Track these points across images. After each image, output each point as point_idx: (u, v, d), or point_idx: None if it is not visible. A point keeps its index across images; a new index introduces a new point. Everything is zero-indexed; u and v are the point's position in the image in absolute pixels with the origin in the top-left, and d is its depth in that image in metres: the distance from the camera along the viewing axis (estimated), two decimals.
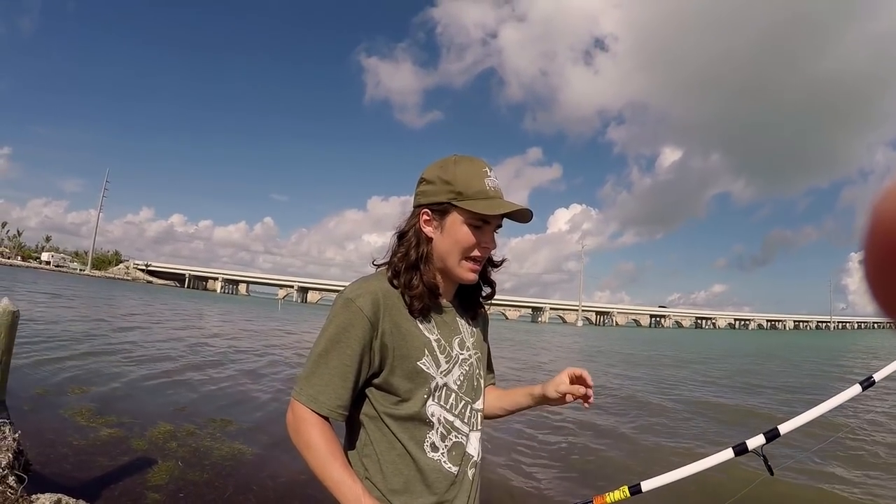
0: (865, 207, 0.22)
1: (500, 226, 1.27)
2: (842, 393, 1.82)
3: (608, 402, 9.35)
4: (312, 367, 1.18)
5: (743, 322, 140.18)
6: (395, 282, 1.23)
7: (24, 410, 5.40)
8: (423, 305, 1.23)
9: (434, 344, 1.24)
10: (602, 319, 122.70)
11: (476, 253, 1.24)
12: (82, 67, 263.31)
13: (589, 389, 1.36)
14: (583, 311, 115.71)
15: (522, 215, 1.25)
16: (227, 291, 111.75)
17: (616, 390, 10.88)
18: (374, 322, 1.18)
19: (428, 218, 1.26)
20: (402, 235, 1.28)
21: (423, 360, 1.22)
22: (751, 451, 1.70)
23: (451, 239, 1.23)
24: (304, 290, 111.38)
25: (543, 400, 1.43)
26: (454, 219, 1.23)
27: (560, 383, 1.37)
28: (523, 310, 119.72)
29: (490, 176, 1.24)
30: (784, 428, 1.74)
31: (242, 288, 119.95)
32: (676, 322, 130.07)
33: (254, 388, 8.35)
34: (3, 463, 3.33)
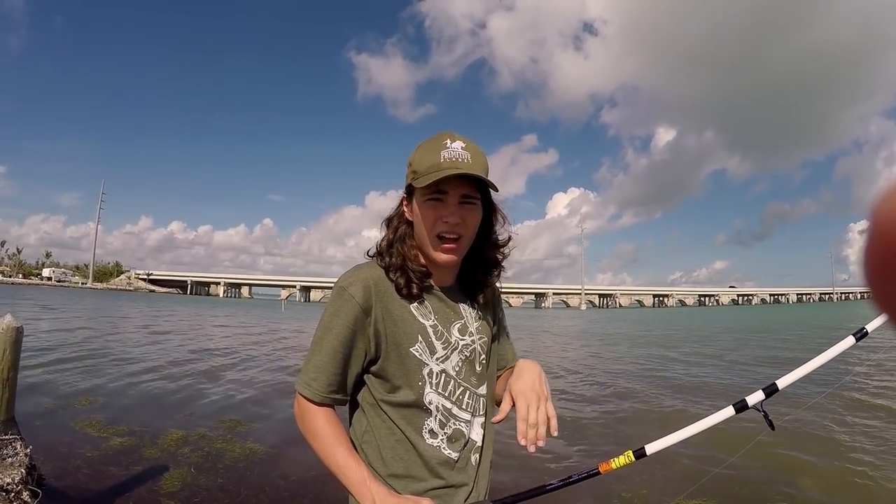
0: (866, 209, 0.22)
1: (468, 196, 1.18)
2: (836, 345, 1.81)
3: (592, 377, 9.39)
4: (310, 355, 1.20)
5: (746, 298, 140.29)
6: (383, 264, 1.23)
7: (35, 426, 5.43)
8: (410, 284, 1.21)
9: (429, 330, 1.23)
10: (605, 302, 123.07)
11: (439, 229, 1.18)
12: (72, 80, 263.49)
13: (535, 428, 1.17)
14: (586, 294, 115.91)
15: (478, 180, 1.16)
16: (229, 295, 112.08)
17: (602, 368, 10.92)
18: (366, 309, 1.18)
19: (405, 202, 1.26)
20: (388, 222, 1.29)
21: (416, 347, 1.21)
22: (751, 408, 1.70)
23: (416, 220, 1.21)
24: (306, 290, 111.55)
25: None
26: (416, 199, 1.20)
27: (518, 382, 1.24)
28: (526, 296, 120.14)
29: (449, 147, 1.16)
30: (782, 382, 1.74)
31: (245, 291, 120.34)
32: (680, 301, 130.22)
33: (262, 386, 8.38)
34: (17, 479, 3.35)
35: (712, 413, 1.71)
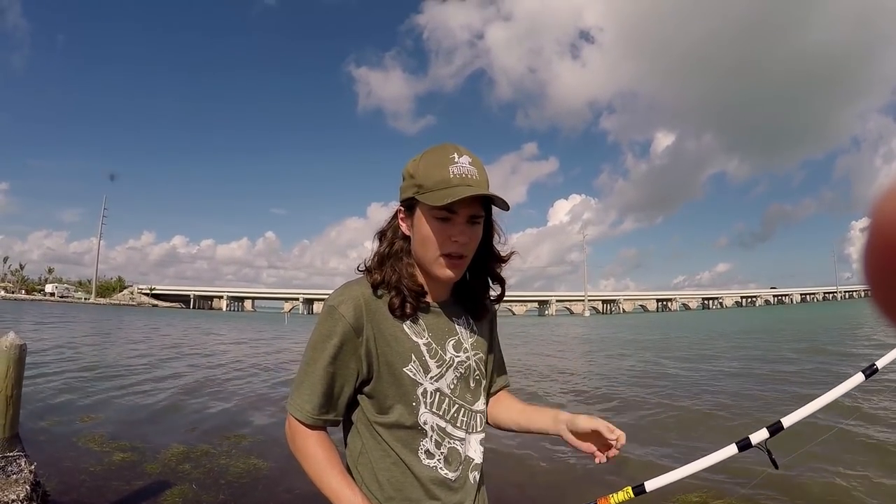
0: (866, 208, 0.21)
1: (477, 216, 1.16)
2: (844, 383, 1.76)
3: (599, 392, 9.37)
4: (301, 376, 1.17)
5: (749, 299, 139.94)
6: (372, 280, 1.19)
7: (39, 441, 5.45)
8: (404, 304, 1.17)
9: (423, 348, 1.19)
10: (609, 308, 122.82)
11: (448, 249, 1.15)
12: (74, 97, 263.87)
13: (611, 446, 1.23)
14: (589, 300, 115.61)
15: (499, 201, 1.15)
16: (232, 309, 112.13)
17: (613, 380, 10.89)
18: (357, 328, 1.14)
19: (403, 215, 1.21)
20: (381, 235, 1.25)
21: (409, 367, 1.17)
22: (755, 446, 1.64)
23: (419, 236, 1.17)
24: (309, 302, 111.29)
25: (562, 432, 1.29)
26: (420, 214, 1.16)
27: (574, 430, 1.26)
28: (530, 304, 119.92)
29: (458, 162, 1.13)
30: (787, 420, 1.69)
31: (248, 304, 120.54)
32: (684, 304, 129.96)
33: (267, 400, 8.36)
34: (22, 495, 3.37)
35: (715, 451, 1.68)
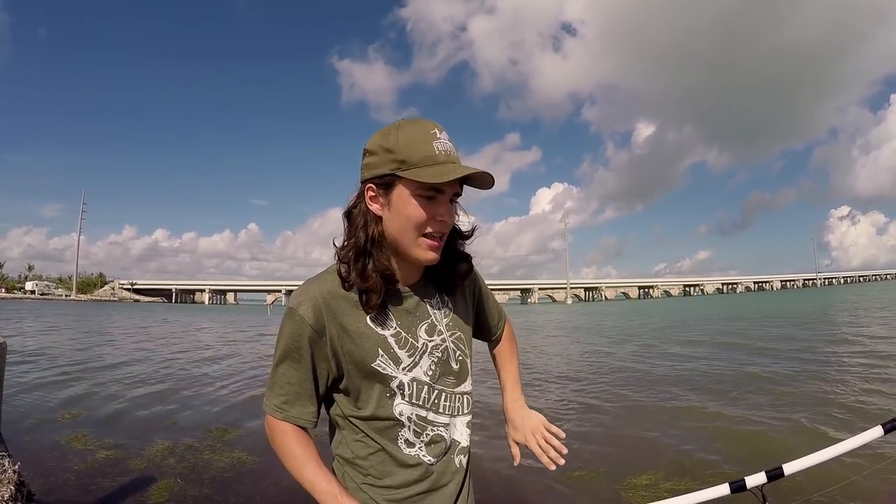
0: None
1: (457, 194, 1.12)
2: (860, 435, 1.64)
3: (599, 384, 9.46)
4: (272, 378, 1.17)
5: (730, 286, 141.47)
6: (346, 274, 1.12)
7: (22, 441, 5.42)
8: (373, 298, 1.11)
9: (390, 340, 1.15)
10: (591, 295, 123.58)
11: (431, 228, 1.09)
12: (53, 91, 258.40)
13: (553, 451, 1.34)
14: (571, 288, 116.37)
15: (482, 180, 1.09)
16: (215, 302, 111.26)
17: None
18: (318, 330, 1.11)
19: (374, 194, 1.11)
20: (349, 215, 1.16)
21: (378, 362, 1.13)
22: (749, 490, 1.60)
23: (400, 215, 1.08)
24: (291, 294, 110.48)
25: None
26: (400, 192, 1.08)
27: (522, 429, 1.41)
28: (512, 292, 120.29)
29: (440, 138, 1.07)
30: (789, 468, 1.60)
31: (230, 297, 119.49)
32: (665, 291, 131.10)
33: (250, 392, 8.36)
34: (7, 496, 3.37)
35: (705, 488, 1.62)
